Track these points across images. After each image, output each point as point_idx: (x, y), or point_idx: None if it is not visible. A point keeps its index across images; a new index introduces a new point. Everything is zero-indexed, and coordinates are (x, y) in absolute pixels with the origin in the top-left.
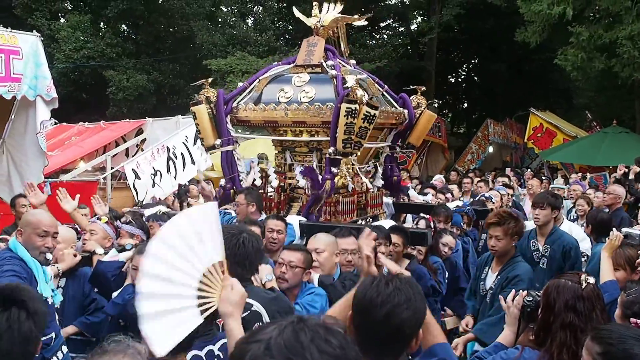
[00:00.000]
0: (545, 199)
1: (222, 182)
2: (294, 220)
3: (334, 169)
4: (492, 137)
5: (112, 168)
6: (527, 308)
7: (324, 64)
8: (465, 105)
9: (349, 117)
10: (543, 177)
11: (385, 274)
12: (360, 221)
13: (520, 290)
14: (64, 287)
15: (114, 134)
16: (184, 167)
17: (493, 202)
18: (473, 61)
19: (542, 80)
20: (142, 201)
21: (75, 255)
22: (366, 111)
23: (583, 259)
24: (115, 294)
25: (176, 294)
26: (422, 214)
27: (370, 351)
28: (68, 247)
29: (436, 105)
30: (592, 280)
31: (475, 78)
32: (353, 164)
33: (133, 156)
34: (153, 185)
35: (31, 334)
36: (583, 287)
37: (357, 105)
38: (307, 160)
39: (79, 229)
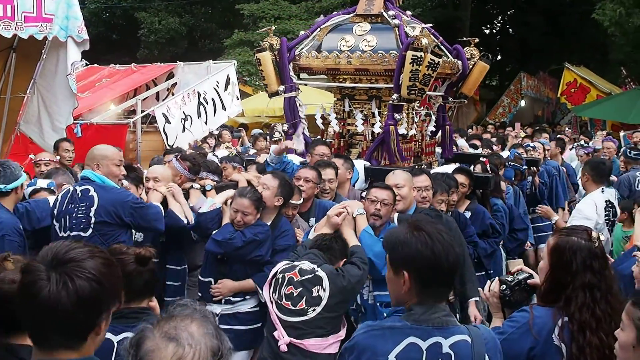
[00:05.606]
0: None
1: (285, 127)
2: (359, 164)
3: (396, 115)
4: (525, 90)
5: (142, 111)
6: (505, 298)
7: (384, 14)
8: (499, 57)
9: (415, 64)
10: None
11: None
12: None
13: (488, 282)
14: None
15: (144, 77)
16: (214, 113)
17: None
18: (509, 12)
19: (578, 35)
20: (172, 145)
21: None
22: (430, 59)
23: None
24: (215, 232)
25: None
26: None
27: (430, 297)
28: (166, 183)
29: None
30: (603, 237)
31: (510, 30)
32: (415, 110)
33: (163, 100)
34: (183, 130)
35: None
36: (596, 245)
37: (422, 53)
38: (366, 107)
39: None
